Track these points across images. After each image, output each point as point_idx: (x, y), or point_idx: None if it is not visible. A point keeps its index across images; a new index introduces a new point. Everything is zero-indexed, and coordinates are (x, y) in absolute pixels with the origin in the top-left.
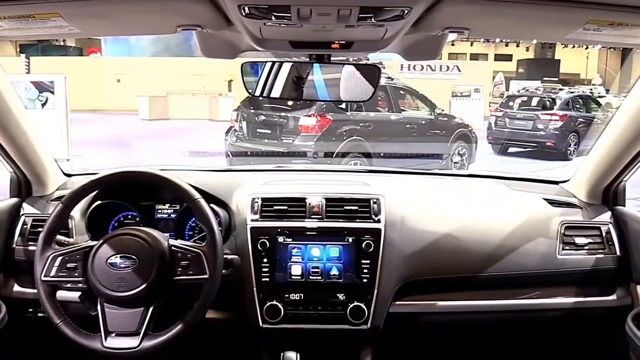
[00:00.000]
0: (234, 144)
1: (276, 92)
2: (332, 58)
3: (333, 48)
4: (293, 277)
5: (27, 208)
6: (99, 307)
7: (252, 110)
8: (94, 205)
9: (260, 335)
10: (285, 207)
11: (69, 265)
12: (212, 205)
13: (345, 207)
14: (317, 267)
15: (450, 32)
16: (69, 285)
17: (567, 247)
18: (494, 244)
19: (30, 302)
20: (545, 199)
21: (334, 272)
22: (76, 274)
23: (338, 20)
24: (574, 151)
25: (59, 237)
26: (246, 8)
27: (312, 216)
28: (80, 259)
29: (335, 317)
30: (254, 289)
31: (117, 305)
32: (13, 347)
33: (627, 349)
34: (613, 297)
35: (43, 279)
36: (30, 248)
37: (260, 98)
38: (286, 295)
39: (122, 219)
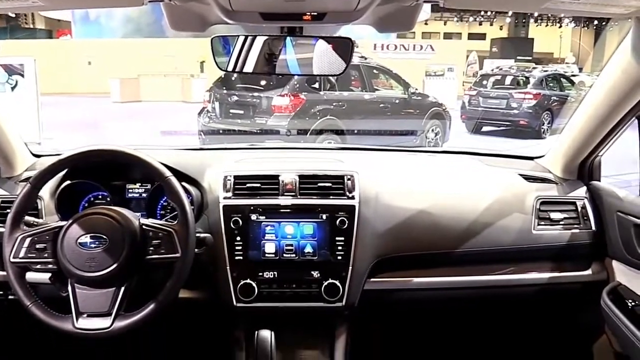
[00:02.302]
0: (207, 125)
1: (249, 67)
2: (304, 32)
3: (305, 20)
4: (267, 255)
5: None
6: (69, 288)
7: (225, 91)
8: (63, 185)
9: (235, 314)
10: (258, 185)
11: (38, 246)
12: (184, 184)
13: (319, 184)
14: (291, 245)
15: (425, 1)
16: (38, 266)
17: (543, 223)
18: (469, 220)
19: (0, 285)
20: (520, 175)
21: (308, 249)
22: (46, 255)
23: None
24: (547, 130)
25: (27, 218)
26: None
27: (286, 193)
28: (50, 239)
29: (310, 295)
30: (227, 267)
31: (88, 286)
32: None
33: (602, 323)
34: (588, 272)
35: (12, 260)
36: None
37: (233, 75)
38: (260, 274)
39: (92, 199)
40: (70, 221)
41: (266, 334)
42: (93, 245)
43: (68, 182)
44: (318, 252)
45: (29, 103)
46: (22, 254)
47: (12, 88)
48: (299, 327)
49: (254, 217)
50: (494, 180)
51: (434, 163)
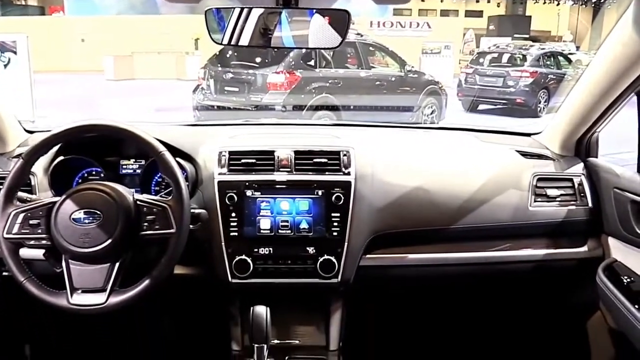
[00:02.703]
0: (202, 102)
1: (244, 41)
2: (299, 3)
3: None
4: (262, 231)
5: None
6: (63, 264)
7: (220, 68)
8: (56, 161)
9: (230, 291)
10: (254, 161)
11: (31, 221)
12: (178, 159)
13: (315, 160)
14: (287, 221)
15: None
16: (32, 242)
17: (539, 199)
18: (465, 196)
19: None
20: (517, 151)
21: (304, 225)
22: (39, 231)
23: None
24: (543, 108)
25: (21, 194)
26: None
27: (281, 169)
28: (43, 215)
29: (305, 271)
30: (222, 243)
31: (82, 262)
32: None
33: (597, 300)
34: (584, 248)
35: (5, 236)
36: None
37: (228, 52)
38: (255, 250)
39: (86, 175)
40: (63, 197)
41: (261, 310)
42: (87, 221)
43: (61, 157)
44: (313, 228)
45: (21, 81)
46: (15, 230)
47: (5, 66)
48: (294, 303)
49: (249, 193)
50: (491, 157)
51: (431, 139)
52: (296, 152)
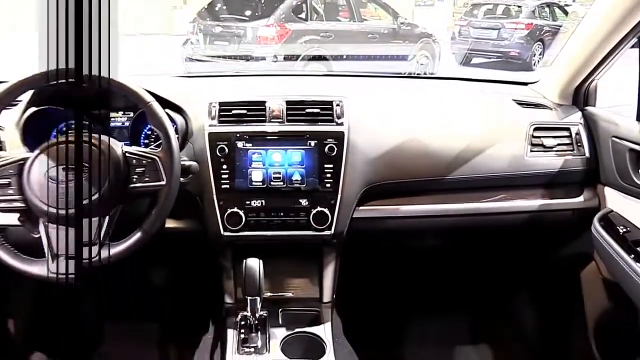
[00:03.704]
0: (191, 56)
1: None
2: None
3: None
4: (254, 183)
5: None
6: (41, 228)
7: (209, 22)
8: (28, 112)
9: (222, 244)
10: (244, 112)
11: (0, 181)
12: (168, 111)
13: (307, 110)
14: (279, 173)
15: None
16: (2, 204)
17: (535, 149)
18: (461, 146)
19: None
20: (513, 100)
21: (296, 177)
22: (10, 192)
23: None
24: (538, 61)
25: None
26: None
27: (273, 120)
28: (14, 173)
29: (298, 224)
30: (214, 196)
31: (62, 224)
32: None
33: (592, 250)
34: (580, 198)
35: None
36: None
37: (217, 5)
38: (247, 202)
39: (65, 128)
40: (37, 152)
41: (254, 263)
42: (69, 178)
43: (34, 109)
44: (306, 179)
45: None
46: None
47: None
48: (287, 255)
49: (240, 144)
50: (487, 106)
51: (425, 89)
52: (288, 103)
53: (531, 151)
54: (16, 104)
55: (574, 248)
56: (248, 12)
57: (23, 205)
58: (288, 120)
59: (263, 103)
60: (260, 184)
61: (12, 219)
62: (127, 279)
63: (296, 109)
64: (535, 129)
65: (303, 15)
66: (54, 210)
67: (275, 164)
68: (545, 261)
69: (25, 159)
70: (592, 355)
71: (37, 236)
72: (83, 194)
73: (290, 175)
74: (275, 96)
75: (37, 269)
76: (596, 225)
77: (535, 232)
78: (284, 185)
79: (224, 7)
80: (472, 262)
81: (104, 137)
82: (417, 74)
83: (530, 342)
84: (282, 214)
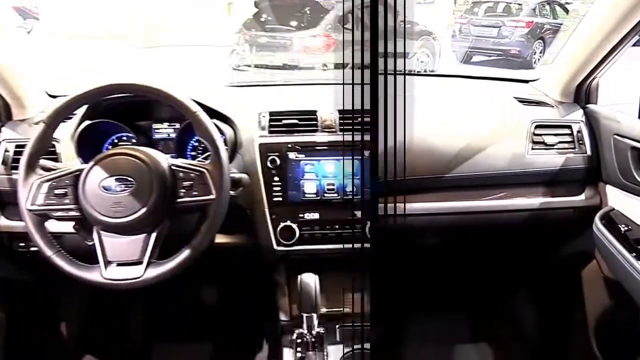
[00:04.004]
0: (237, 67)
1: None
2: None
3: None
4: (307, 195)
5: (7, 133)
6: (95, 236)
7: (255, 32)
8: (82, 126)
9: (275, 259)
10: (296, 121)
11: (57, 191)
12: (215, 121)
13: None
14: (333, 184)
15: None
16: (59, 213)
17: (537, 147)
18: (462, 143)
19: (19, 236)
20: (515, 98)
21: (351, 188)
22: (67, 201)
23: None
24: (539, 59)
25: (44, 162)
26: None
27: (325, 129)
28: (70, 184)
29: (353, 236)
30: (266, 209)
31: (116, 233)
32: (6, 285)
33: (593, 249)
34: (581, 197)
35: (29, 207)
36: (14, 177)
37: (262, 16)
38: (300, 215)
39: (116, 140)
40: (91, 163)
41: (310, 278)
42: (118, 189)
43: (88, 122)
44: (362, 191)
45: (45, 47)
46: (39, 201)
47: (28, 32)
48: (342, 269)
49: (292, 155)
50: (488, 104)
51: (427, 87)
52: (340, 112)
53: (532, 149)
54: (71, 117)
55: (574, 246)
56: (294, 23)
57: (78, 214)
58: (341, 130)
59: (314, 112)
60: (314, 195)
61: (68, 226)
62: (176, 296)
63: (349, 118)
64: (537, 127)
65: (349, 26)
66: (108, 219)
67: (329, 174)
68: (546, 259)
69: (80, 171)
70: (593, 354)
71: (90, 243)
72: (129, 209)
73: (344, 186)
74: (327, 105)
75: (90, 275)
76: (597, 223)
77: (536, 230)
78: (338, 197)
79: (270, 18)
80: (472, 261)
81: (148, 150)
82: (417, 72)
83: (530, 341)
84: (337, 226)
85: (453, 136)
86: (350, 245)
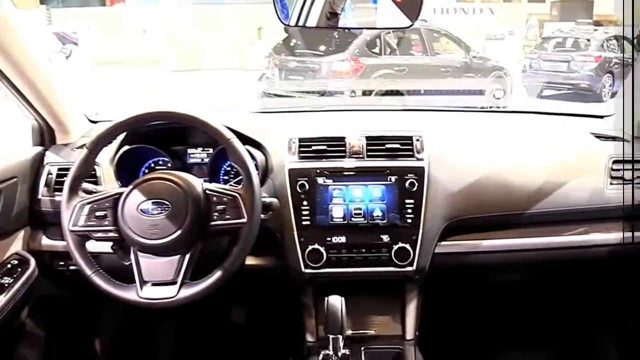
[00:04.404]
0: (267, 91)
1: (311, 22)
2: None
3: None
4: (335, 219)
5: (51, 157)
6: (132, 257)
7: (284, 57)
8: (121, 151)
9: (303, 281)
10: (324, 147)
11: (97, 213)
12: (248, 147)
13: (387, 146)
14: (360, 209)
15: None
16: (99, 234)
17: (615, 182)
18: (540, 180)
19: (60, 255)
20: (591, 133)
21: (377, 213)
22: (106, 223)
23: None
24: (608, 92)
25: (86, 185)
26: None
27: (353, 155)
28: (110, 206)
29: (379, 260)
30: (295, 232)
31: (152, 254)
32: (45, 302)
33: None
34: None
35: (71, 228)
36: (57, 198)
37: (292, 40)
38: (328, 239)
39: (152, 165)
40: (130, 187)
41: (336, 300)
42: (155, 212)
43: (127, 147)
44: (387, 215)
45: (84, 72)
46: (81, 222)
47: (67, 57)
48: (369, 292)
49: (320, 180)
50: (565, 139)
51: (502, 123)
52: (368, 138)
53: (611, 184)
54: (111, 142)
55: None
56: (322, 47)
57: (117, 235)
58: (368, 156)
59: (343, 139)
60: (341, 219)
61: (106, 247)
62: (206, 316)
63: (376, 144)
64: (614, 162)
65: (377, 50)
66: (145, 241)
67: (356, 199)
68: (629, 296)
69: (120, 194)
70: None
71: (127, 263)
72: (165, 231)
73: (371, 211)
74: (355, 132)
75: (127, 294)
76: None
77: (618, 266)
78: (365, 221)
79: (299, 42)
80: (555, 297)
81: (185, 174)
82: (491, 108)
83: None
84: (363, 250)
85: (531, 172)
86: (376, 269)
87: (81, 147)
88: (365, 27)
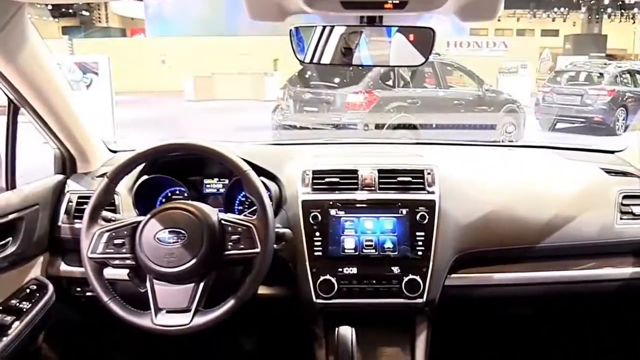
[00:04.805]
0: (281, 122)
1: (326, 59)
2: (383, 21)
3: (386, 8)
4: (346, 250)
5: (72, 185)
6: (148, 284)
7: (299, 88)
8: (140, 181)
9: (314, 311)
10: (337, 180)
11: (116, 241)
12: (262, 179)
13: (398, 179)
14: (371, 240)
15: None
16: (116, 262)
17: (625, 217)
18: (551, 214)
19: (78, 281)
20: (602, 169)
21: (388, 244)
22: (124, 250)
23: None
24: (622, 126)
25: (105, 213)
26: None
27: (365, 188)
28: (128, 234)
29: (390, 291)
30: (307, 263)
31: (167, 282)
32: (61, 327)
33: None
34: None
35: (90, 255)
36: (76, 226)
37: (307, 72)
38: (340, 269)
39: (169, 194)
40: (148, 216)
41: (347, 331)
42: (171, 241)
43: (145, 177)
44: (398, 247)
45: (103, 101)
46: (99, 250)
47: (87, 86)
48: (379, 323)
49: (333, 212)
50: (575, 174)
51: (513, 157)
52: (380, 171)
53: (621, 219)
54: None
55: None
56: (337, 80)
57: (133, 262)
58: (380, 189)
59: (355, 171)
60: (353, 251)
61: (122, 273)
62: (217, 343)
63: (388, 177)
64: (625, 197)
65: (390, 82)
66: (161, 268)
67: (367, 231)
68: (638, 330)
69: (138, 222)
70: None
71: (143, 291)
72: (181, 259)
73: (382, 242)
74: (367, 165)
75: (142, 320)
76: None
77: (628, 301)
78: (376, 253)
79: (314, 75)
80: (566, 331)
81: (201, 204)
82: (503, 141)
83: None
84: (374, 281)
85: (541, 206)
86: (386, 300)
87: (102, 176)
88: (380, 64)
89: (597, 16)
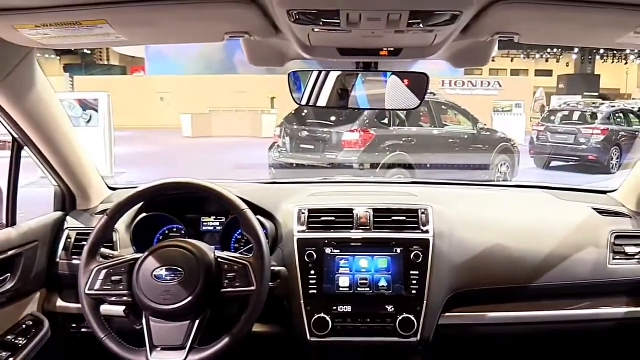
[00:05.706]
0: (278, 160)
1: (322, 102)
2: (379, 67)
3: (381, 55)
4: (341, 288)
5: (71, 222)
6: (144, 321)
7: (296, 126)
8: (139, 218)
9: (308, 349)
10: (332, 219)
11: (113, 278)
12: (259, 217)
13: (393, 218)
14: (366, 279)
15: (500, 37)
16: (113, 298)
17: (618, 257)
18: (544, 254)
19: (74, 317)
20: (594, 209)
21: (383, 283)
22: (121, 287)
23: (387, 25)
24: (616, 165)
25: (103, 250)
26: (295, 14)
27: (360, 227)
28: (125, 271)
29: (384, 330)
30: (302, 301)
31: (163, 319)
32: None
33: None
34: None
35: (87, 292)
36: (74, 262)
37: (304, 111)
38: (334, 308)
39: (167, 232)
40: (146, 253)
41: None
42: (168, 278)
43: (144, 214)
44: (392, 286)
45: (102, 137)
46: (97, 286)
47: (87, 122)
48: None
49: (328, 250)
50: (568, 214)
51: (507, 197)
52: (375, 210)
53: (613, 259)
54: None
55: None
56: (333, 118)
57: (130, 299)
58: (375, 228)
59: (351, 211)
60: (348, 289)
61: (118, 310)
62: None
63: (383, 216)
64: (617, 237)
65: (386, 121)
66: (157, 306)
67: (362, 270)
68: None
69: (135, 260)
70: None
71: (139, 328)
72: (177, 297)
73: (376, 281)
74: (362, 204)
75: (137, 357)
76: None
77: (621, 340)
78: (371, 291)
79: (311, 113)
80: None
81: (198, 242)
82: (497, 180)
83: None
84: (368, 320)
85: (534, 246)
86: (380, 339)
87: (101, 213)
88: (375, 108)
89: (589, 57)
